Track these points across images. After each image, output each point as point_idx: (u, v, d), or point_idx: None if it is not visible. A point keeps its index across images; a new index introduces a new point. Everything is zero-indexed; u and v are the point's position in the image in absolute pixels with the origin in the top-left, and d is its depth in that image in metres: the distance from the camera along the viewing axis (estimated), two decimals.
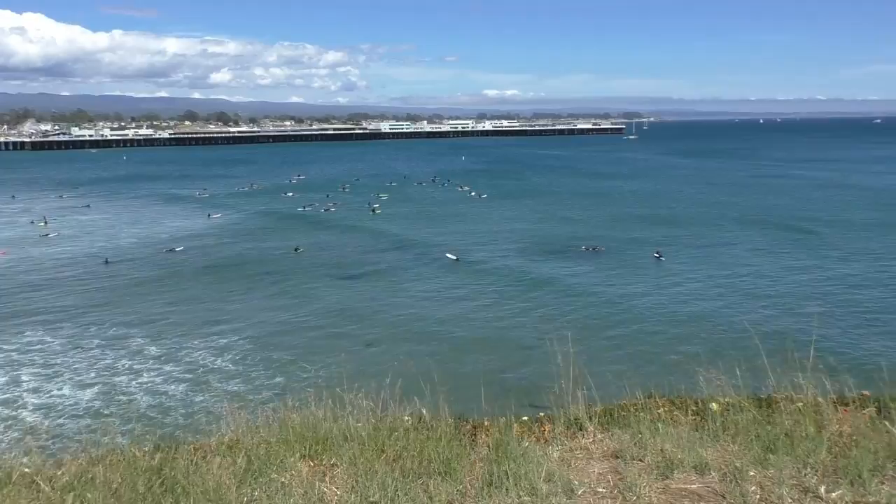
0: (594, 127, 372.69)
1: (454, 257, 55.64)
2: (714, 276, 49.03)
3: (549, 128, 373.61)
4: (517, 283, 48.01)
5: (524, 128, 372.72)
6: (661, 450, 5.40)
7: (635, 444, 5.57)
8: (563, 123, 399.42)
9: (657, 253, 55.57)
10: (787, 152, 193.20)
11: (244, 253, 60.80)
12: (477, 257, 56.64)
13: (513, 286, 46.93)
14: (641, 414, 6.01)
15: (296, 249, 60.49)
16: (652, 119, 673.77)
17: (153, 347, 35.41)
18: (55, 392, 29.67)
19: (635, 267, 52.24)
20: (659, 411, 6.13)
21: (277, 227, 75.05)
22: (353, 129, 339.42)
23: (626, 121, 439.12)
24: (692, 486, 4.97)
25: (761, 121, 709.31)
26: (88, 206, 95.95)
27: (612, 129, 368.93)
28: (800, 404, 5.98)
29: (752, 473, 5.04)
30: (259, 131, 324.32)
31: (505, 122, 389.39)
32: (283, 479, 5.03)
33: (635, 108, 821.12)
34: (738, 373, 6.44)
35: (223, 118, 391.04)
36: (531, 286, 47.02)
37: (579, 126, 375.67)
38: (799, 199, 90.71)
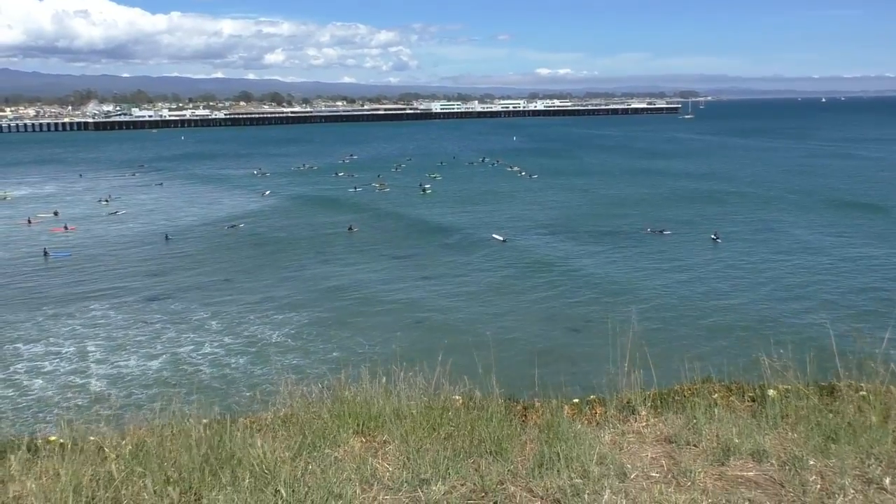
0: (649, 106, 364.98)
1: (501, 238, 55.43)
2: (772, 258, 47.71)
3: (603, 107, 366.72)
4: (566, 265, 47.60)
5: (577, 107, 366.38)
6: (717, 435, 5.29)
7: (689, 429, 5.47)
8: (617, 103, 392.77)
9: (714, 235, 54.30)
10: (850, 132, 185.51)
11: (298, 232, 61.82)
12: (525, 239, 56.30)
13: (562, 268, 46.55)
14: (696, 399, 5.88)
15: (349, 228, 61.24)
16: (709, 98, 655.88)
17: (214, 322, 36.45)
18: (121, 363, 30.87)
19: (692, 249, 51.15)
20: (714, 396, 5.99)
21: (330, 206, 75.98)
22: (404, 109, 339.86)
23: (681, 100, 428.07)
24: (749, 473, 4.85)
25: (823, 100, 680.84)
26: (161, 184, 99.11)
27: (667, 108, 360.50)
28: (864, 393, 5.77)
29: (812, 462, 4.90)
30: (311, 111, 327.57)
31: (557, 102, 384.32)
32: (336, 454, 5.11)
33: (692, 86, 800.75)
34: (797, 359, 6.24)
35: (277, 98, 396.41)
36: (580, 268, 46.58)
37: (633, 105, 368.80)
38: (861, 180, 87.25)
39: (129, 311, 38.72)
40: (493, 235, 56.29)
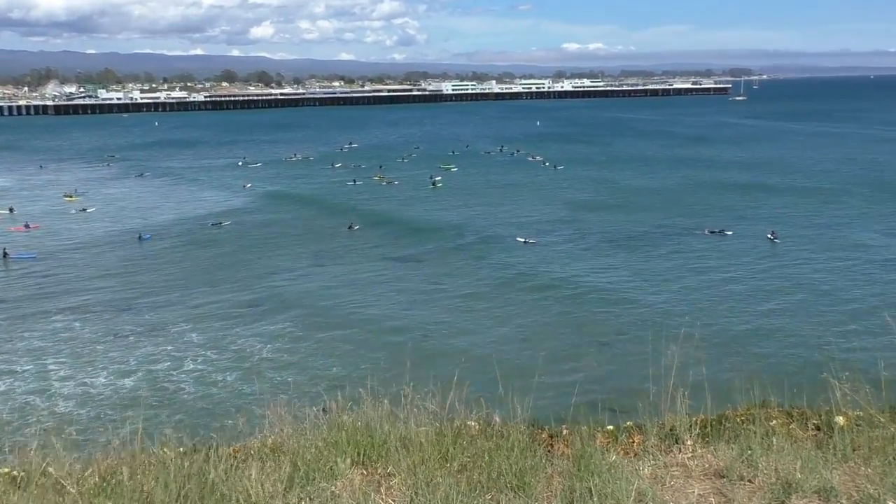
0: (694, 86, 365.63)
1: (523, 240, 55.42)
2: (836, 260, 47.51)
3: (640, 88, 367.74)
4: (596, 269, 47.57)
5: (610, 88, 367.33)
6: (776, 469, 5.25)
7: (744, 461, 5.43)
8: (657, 82, 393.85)
9: (771, 234, 54.13)
10: None
11: (291, 230, 62.17)
12: (550, 240, 56.27)
13: (591, 273, 46.52)
14: (751, 427, 5.84)
15: (350, 227, 61.53)
16: (764, 76, 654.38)
17: (195, 334, 36.68)
18: (88, 381, 31.03)
19: (745, 251, 51.01)
20: (772, 424, 5.95)
21: (328, 201, 76.33)
22: (411, 90, 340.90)
23: (732, 79, 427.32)
24: None
25: None
26: (142, 174, 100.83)
27: (715, 88, 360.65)
28: None
29: (890, 502, 4.84)
30: (304, 93, 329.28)
31: (587, 82, 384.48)
32: (332, 489, 5.08)
33: (744, 63, 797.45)
34: (870, 380, 6.16)
35: (264, 78, 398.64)
36: (611, 273, 46.53)
37: (676, 85, 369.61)
38: None
39: (98, 322, 38.97)
40: (516, 238, 56.18)
